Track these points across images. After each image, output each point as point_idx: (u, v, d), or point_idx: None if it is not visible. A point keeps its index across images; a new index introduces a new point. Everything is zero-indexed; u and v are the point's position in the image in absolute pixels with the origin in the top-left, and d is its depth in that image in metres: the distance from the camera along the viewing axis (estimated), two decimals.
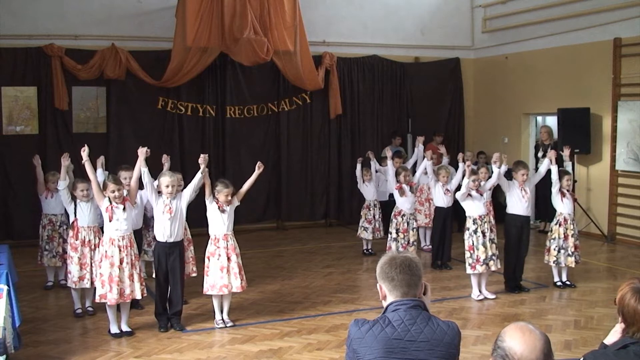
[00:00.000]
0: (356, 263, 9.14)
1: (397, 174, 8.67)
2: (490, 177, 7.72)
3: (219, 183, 6.38)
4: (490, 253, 7.22)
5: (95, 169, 6.42)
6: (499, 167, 7.24)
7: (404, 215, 8.53)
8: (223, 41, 10.26)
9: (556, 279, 7.74)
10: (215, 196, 6.32)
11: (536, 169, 11.33)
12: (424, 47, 12.67)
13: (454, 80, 13.00)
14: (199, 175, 6.24)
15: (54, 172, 7.45)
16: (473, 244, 7.23)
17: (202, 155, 6.26)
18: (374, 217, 9.56)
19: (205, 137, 11.12)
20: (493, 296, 7.26)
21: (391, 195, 9.12)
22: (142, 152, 6.06)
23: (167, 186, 6.09)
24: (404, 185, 8.52)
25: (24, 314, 5.94)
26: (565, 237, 7.63)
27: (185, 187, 6.44)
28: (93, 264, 6.34)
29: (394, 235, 8.53)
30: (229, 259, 6.23)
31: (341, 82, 11.86)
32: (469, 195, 7.24)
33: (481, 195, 7.34)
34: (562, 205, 7.67)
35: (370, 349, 2.61)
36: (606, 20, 10.16)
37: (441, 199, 8.65)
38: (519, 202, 7.37)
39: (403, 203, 8.53)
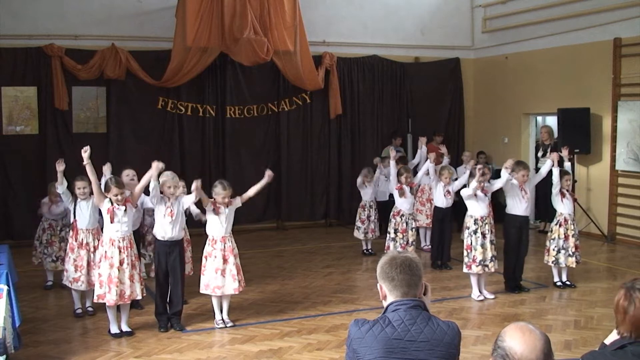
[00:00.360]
0: (356, 263, 9.14)
1: (398, 174, 8.66)
2: (491, 177, 7.74)
3: (218, 184, 6.36)
4: (490, 255, 7.22)
5: (101, 175, 6.42)
6: (509, 173, 7.24)
7: (402, 215, 8.53)
8: (223, 41, 10.26)
9: (556, 279, 7.75)
10: (212, 197, 6.31)
11: (536, 169, 11.35)
12: (424, 47, 12.67)
13: (454, 80, 13.00)
14: (194, 196, 6.20)
15: (54, 183, 7.32)
16: (472, 243, 7.24)
17: (195, 182, 6.13)
18: (367, 217, 9.54)
19: (205, 137, 11.12)
20: (492, 296, 7.26)
21: (391, 195, 9.12)
22: (157, 167, 5.94)
23: (170, 187, 6.09)
24: (404, 186, 8.52)
25: (24, 314, 5.94)
26: (566, 238, 7.63)
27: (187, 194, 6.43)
28: (93, 265, 6.33)
29: (392, 235, 8.54)
30: (226, 260, 6.22)
31: (341, 82, 11.86)
32: (475, 195, 7.25)
33: (486, 195, 7.34)
34: (562, 206, 7.67)
35: (370, 349, 2.61)
36: (606, 20, 10.16)
37: (441, 200, 8.64)
38: (519, 203, 7.37)
39: (402, 203, 8.53)
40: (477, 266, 7.19)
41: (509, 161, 7.28)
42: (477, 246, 7.20)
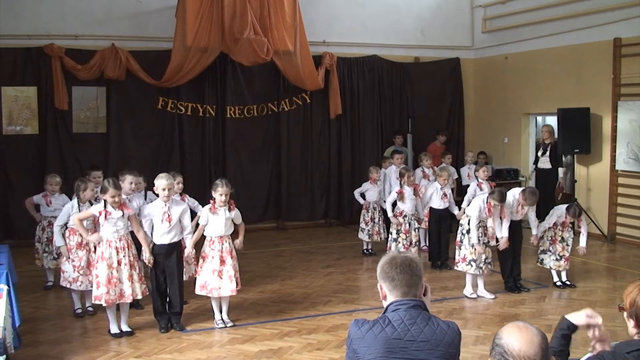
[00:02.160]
0: (356, 263, 9.13)
1: (400, 176, 8.64)
2: (491, 177, 7.81)
3: (218, 180, 6.31)
4: (483, 257, 7.24)
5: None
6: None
7: (405, 216, 8.51)
8: (223, 41, 10.26)
9: (556, 279, 7.75)
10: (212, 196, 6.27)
11: (536, 168, 11.32)
12: (424, 47, 12.67)
13: (454, 80, 13.00)
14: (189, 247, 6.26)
15: (53, 174, 7.48)
16: (462, 241, 7.30)
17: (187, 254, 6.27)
18: (372, 219, 9.49)
19: (205, 137, 11.12)
20: (492, 296, 7.27)
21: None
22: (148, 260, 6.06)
23: (164, 189, 6.00)
24: (405, 190, 8.47)
25: (24, 314, 5.94)
26: (553, 241, 7.65)
27: (191, 208, 6.50)
28: (94, 265, 6.31)
29: (394, 235, 8.52)
30: (223, 262, 6.19)
31: (341, 82, 11.85)
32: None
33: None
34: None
35: (370, 348, 2.61)
36: (606, 20, 10.15)
37: (437, 202, 8.60)
38: (514, 214, 7.41)
39: (403, 205, 8.52)
40: (467, 265, 7.23)
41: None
42: (468, 246, 7.24)
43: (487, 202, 7.14)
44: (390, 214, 8.55)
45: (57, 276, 7.59)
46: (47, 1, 10.04)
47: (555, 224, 7.64)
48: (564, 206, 7.67)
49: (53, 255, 7.41)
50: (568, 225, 7.69)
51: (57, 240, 6.47)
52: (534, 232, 7.63)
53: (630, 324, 2.62)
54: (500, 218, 7.25)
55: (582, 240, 7.62)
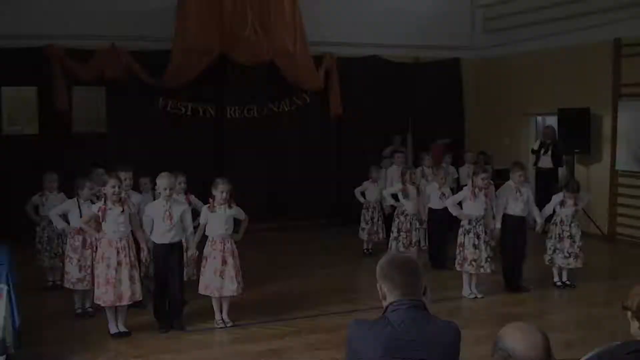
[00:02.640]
0: (356, 263, 9.13)
1: (402, 174, 8.64)
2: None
3: (219, 178, 6.35)
4: (485, 255, 7.23)
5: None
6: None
7: (407, 215, 8.51)
8: (223, 41, 10.26)
9: (556, 279, 7.75)
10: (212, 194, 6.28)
11: (536, 167, 11.28)
12: (424, 47, 12.65)
13: (454, 80, 12.99)
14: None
15: (49, 172, 7.52)
16: (464, 242, 7.29)
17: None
18: (371, 218, 9.49)
19: (205, 137, 11.12)
20: (480, 295, 7.28)
21: (394, 196, 9.08)
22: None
23: (165, 188, 6.03)
24: (409, 189, 8.47)
25: (24, 314, 5.92)
26: (561, 239, 7.64)
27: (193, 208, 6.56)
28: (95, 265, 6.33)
29: (395, 234, 8.52)
30: (225, 262, 6.19)
31: (341, 82, 11.85)
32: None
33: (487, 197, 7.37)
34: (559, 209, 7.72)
35: (370, 348, 2.61)
36: (606, 20, 10.15)
37: (436, 202, 8.59)
38: (513, 203, 7.39)
39: (407, 203, 8.52)
40: (469, 265, 7.22)
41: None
42: (470, 246, 7.24)
43: (471, 187, 7.25)
44: (390, 201, 8.60)
45: (58, 276, 7.59)
46: (47, 1, 10.03)
47: (561, 220, 7.63)
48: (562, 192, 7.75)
49: (52, 254, 7.41)
50: (575, 222, 7.67)
51: (57, 224, 6.55)
52: (538, 220, 7.63)
53: (635, 325, 2.60)
54: (493, 208, 7.31)
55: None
